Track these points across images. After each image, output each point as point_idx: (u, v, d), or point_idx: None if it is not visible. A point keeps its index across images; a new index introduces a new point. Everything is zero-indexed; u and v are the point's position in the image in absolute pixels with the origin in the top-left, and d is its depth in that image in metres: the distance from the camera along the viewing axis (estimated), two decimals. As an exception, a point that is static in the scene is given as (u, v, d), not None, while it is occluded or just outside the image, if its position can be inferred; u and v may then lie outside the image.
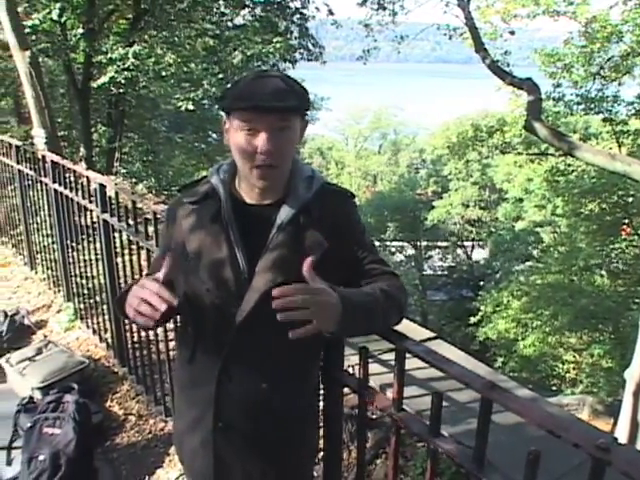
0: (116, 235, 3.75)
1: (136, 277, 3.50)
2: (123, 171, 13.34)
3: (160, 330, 3.23)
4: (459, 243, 27.92)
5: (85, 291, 4.58)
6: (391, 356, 1.70)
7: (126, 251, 3.61)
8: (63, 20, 10.51)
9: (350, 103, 42.50)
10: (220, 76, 12.70)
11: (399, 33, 15.18)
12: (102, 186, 3.71)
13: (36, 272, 5.71)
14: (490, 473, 1.42)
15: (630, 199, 14.37)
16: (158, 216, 2.90)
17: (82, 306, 4.67)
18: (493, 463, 1.45)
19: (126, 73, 10.58)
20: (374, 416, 2.84)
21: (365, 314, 1.51)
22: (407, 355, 1.62)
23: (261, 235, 1.58)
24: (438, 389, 1.63)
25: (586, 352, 14.76)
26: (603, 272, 15.63)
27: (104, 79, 10.69)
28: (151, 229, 3.06)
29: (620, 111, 13.40)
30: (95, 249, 4.18)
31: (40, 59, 8.40)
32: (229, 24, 12.79)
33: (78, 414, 3.13)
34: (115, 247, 3.78)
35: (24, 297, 5.44)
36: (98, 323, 4.34)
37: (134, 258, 3.47)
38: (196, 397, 1.70)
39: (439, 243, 28.16)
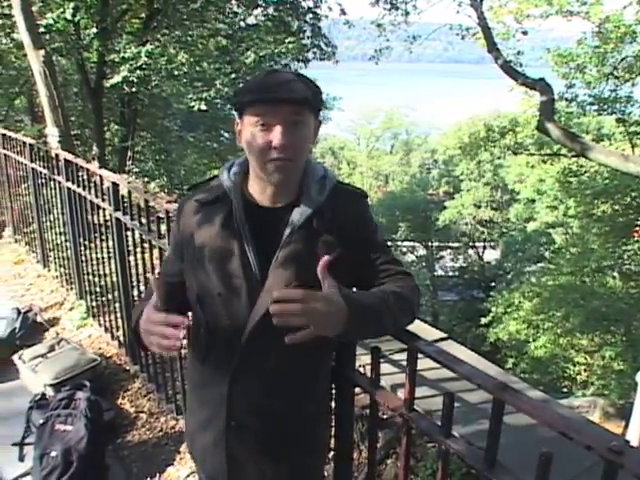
0: (128, 233, 3.77)
1: (148, 275, 3.52)
2: (135, 170, 13.39)
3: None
4: (470, 244, 27.83)
5: (97, 289, 4.61)
6: (402, 356, 1.70)
7: (138, 249, 3.63)
8: (77, 19, 10.56)
9: (362, 103, 42.47)
10: (232, 76, 12.73)
11: (411, 33, 15.16)
12: (115, 184, 3.73)
13: (49, 270, 5.74)
14: (501, 474, 1.42)
15: (643, 200, 14.30)
16: (170, 215, 2.91)
17: (94, 304, 4.69)
18: (503, 464, 1.45)
19: (139, 72, 10.62)
20: (385, 416, 2.84)
21: (374, 317, 1.50)
22: (419, 355, 1.62)
23: (274, 238, 1.57)
24: (448, 389, 1.63)
25: (597, 354, 14.67)
26: (615, 274, 15.54)
27: (117, 78, 10.74)
28: (163, 228, 3.07)
29: (633, 112, 13.34)
30: (107, 247, 4.20)
31: (54, 58, 8.45)
32: (242, 24, 12.80)
33: (90, 411, 3.15)
34: (127, 245, 3.79)
35: (37, 294, 5.47)
36: (110, 321, 4.36)
37: (146, 256, 3.48)
38: (208, 396, 1.71)
39: (450, 243, 28.08)
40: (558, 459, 1.30)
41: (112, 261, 4.08)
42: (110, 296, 4.35)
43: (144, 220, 3.35)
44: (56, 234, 5.38)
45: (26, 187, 5.94)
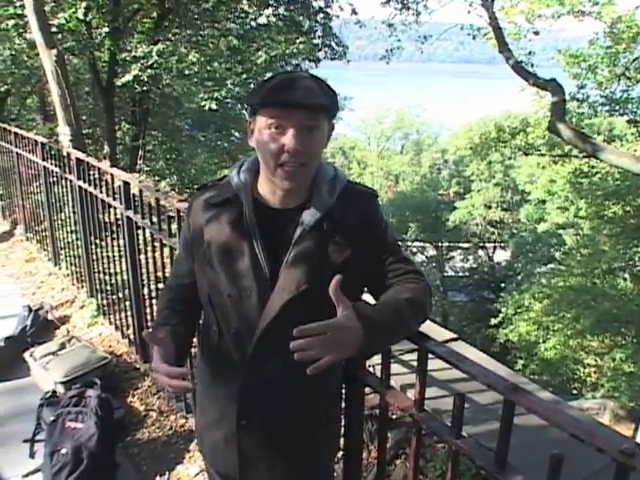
0: (139, 232, 3.78)
1: (159, 274, 3.53)
2: (146, 169, 13.43)
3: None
4: (481, 244, 27.76)
5: (108, 287, 4.62)
6: (412, 356, 1.70)
7: (149, 248, 3.64)
8: (88, 19, 10.59)
9: (373, 103, 42.37)
10: (244, 76, 12.74)
11: (422, 33, 15.14)
12: (126, 183, 3.74)
13: (60, 268, 5.77)
14: (512, 476, 1.42)
15: (655, 202, 14.21)
16: (181, 214, 2.91)
17: (105, 302, 4.71)
18: (513, 465, 1.44)
19: (150, 71, 10.65)
20: (394, 416, 2.84)
21: (390, 333, 1.52)
22: (429, 356, 1.62)
23: (284, 240, 1.57)
24: (458, 390, 1.63)
25: (608, 356, 14.59)
26: (626, 275, 15.45)
27: (128, 77, 10.76)
28: (174, 226, 3.08)
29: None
30: (118, 246, 4.22)
31: (66, 57, 8.48)
32: (252, 23, 12.80)
33: (100, 409, 3.16)
34: (138, 244, 3.80)
35: (48, 292, 5.50)
36: (120, 319, 4.37)
37: (157, 255, 3.50)
38: (219, 395, 1.72)
39: (461, 244, 28.02)
40: (568, 461, 1.29)
41: (123, 259, 4.09)
42: (121, 294, 4.37)
43: (155, 219, 3.36)
44: (67, 232, 5.41)
45: (38, 185, 5.97)
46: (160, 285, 3.53)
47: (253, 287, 1.55)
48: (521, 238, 24.27)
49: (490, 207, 26.69)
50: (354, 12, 13.54)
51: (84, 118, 12.03)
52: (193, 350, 2.47)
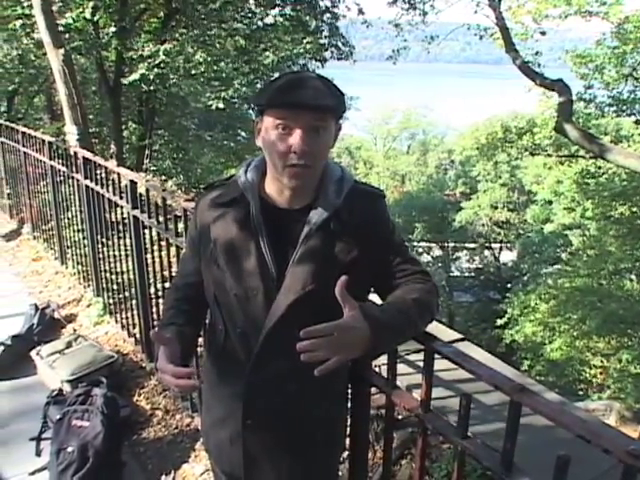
0: (146, 231, 3.79)
1: (165, 273, 3.54)
2: (153, 168, 13.46)
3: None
4: (487, 245, 27.68)
5: (114, 286, 4.64)
6: (418, 357, 1.70)
7: (155, 247, 3.64)
8: (96, 19, 10.63)
9: (379, 103, 42.30)
10: (251, 76, 12.74)
11: (429, 33, 15.10)
12: (133, 182, 3.75)
13: (67, 267, 5.78)
14: (518, 477, 1.41)
15: (662, 203, 14.16)
16: (188, 213, 2.92)
17: (111, 301, 4.72)
18: (520, 466, 1.44)
19: (157, 70, 10.66)
20: (399, 416, 2.83)
21: (397, 333, 1.53)
22: (435, 356, 1.62)
23: (291, 239, 1.57)
24: (463, 390, 1.63)
25: (614, 357, 14.55)
26: (633, 276, 15.41)
27: (135, 76, 10.78)
28: (181, 226, 3.08)
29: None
30: (125, 245, 4.23)
31: (73, 57, 8.51)
32: (259, 23, 12.81)
33: (106, 407, 3.17)
34: (145, 243, 3.81)
35: (55, 291, 5.51)
36: (127, 318, 4.38)
37: (163, 254, 3.50)
38: (225, 394, 1.72)
39: (467, 244, 27.95)
40: (574, 462, 1.29)
41: (129, 259, 4.11)
42: (127, 293, 4.38)
43: (161, 218, 3.37)
44: (74, 231, 5.42)
45: (45, 185, 5.99)
46: (167, 284, 3.54)
47: (260, 287, 1.55)
48: (527, 239, 24.20)
49: (496, 207, 26.61)
50: (361, 12, 13.55)
51: (91, 117, 12.05)
52: (199, 349, 2.47)
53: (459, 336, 3.55)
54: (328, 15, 13.19)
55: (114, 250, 4.56)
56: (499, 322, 17.92)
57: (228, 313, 1.63)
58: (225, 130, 16.62)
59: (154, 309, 3.85)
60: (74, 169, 4.90)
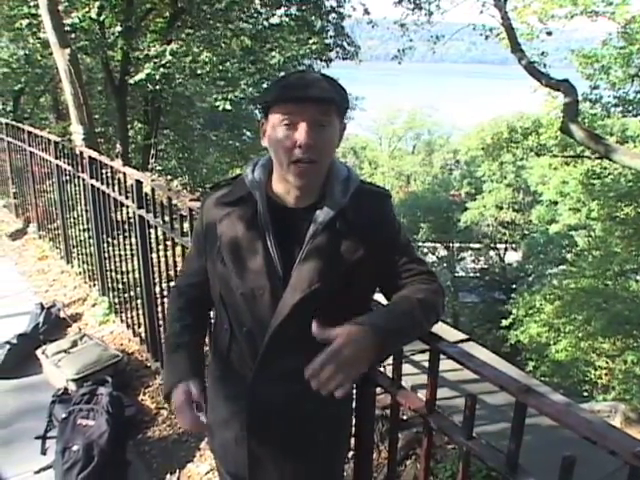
0: (151, 231, 3.79)
1: (170, 273, 3.54)
2: (158, 168, 13.48)
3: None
4: (492, 245, 27.65)
5: (120, 286, 4.64)
6: (423, 357, 1.70)
7: (161, 247, 3.65)
8: (102, 18, 10.66)
9: (384, 103, 42.29)
10: (257, 77, 12.76)
11: (435, 33, 15.09)
12: (138, 182, 3.75)
13: (72, 266, 5.80)
14: (524, 478, 1.41)
15: (668, 203, 14.13)
16: (193, 213, 2.92)
17: (117, 300, 4.73)
18: (525, 467, 1.44)
19: (162, 70, 10.68)
20: (404, 417, 2.83)
21: (401, 336, 1.53)
22: (441, 356, 1.62)
23: (297, 238, 1.57)
24: (468, 391, 1.63)
25: (619, 358, 14.51)
26: (638, 277, 15.36)
27: (141, 75, 10.80)
28: (186, 225, 3.09)
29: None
30: (130, 244, 4.24)
31: (79, 57, 8.52)
32: (265, 23, 12.82)
33: (111, 406, 3.18)
34: (150, 243, 3.82)
35: (60, 290, 5.53)
36: (132, 317, 4.39)
37: (169, 254, 3.51)
38: (230, 394, 1.72)
39: (472, 245, 27.92)
40: (579, 463, 1.29)
41: (135, 258, 4.11)
42: (132, 293, 4.38)
43: (167, 218, 3.37)
44: (80, 231, 5.44)
45: (51, 184, 6.00)
46: (172, 284, 3.54)
47: (266, 286, 1.55)
48: (532, 239, 24.16)
49: (501, 208, 26.57)
50: (366, 12, 13.54)
51: (97, 117, 12.07)
52: (205, 349, 2.47)
53: (464, 336, 3.54)
54: (334, 15, 13.20)
55: (119, 249, 4.56)
56: (504, 323, 17.90)
57: (234, 312, 1.63)
58: (230, 130, 16.65)
59: (159, 308, 3.85)
60: (80, 168, 4.92)
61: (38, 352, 4.10)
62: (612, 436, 1.22)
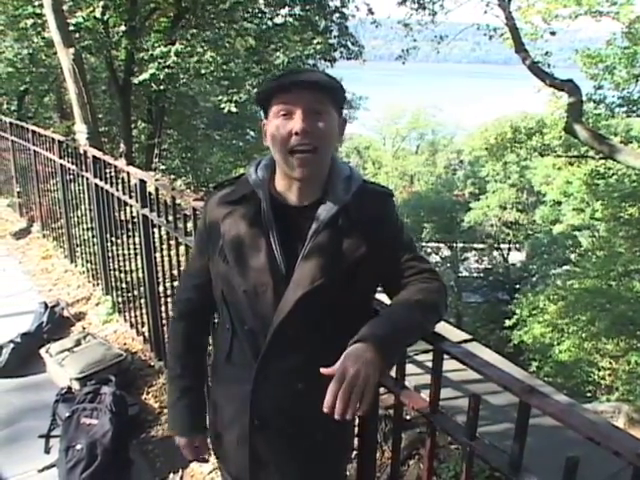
0: (155, 230, 3.80)
1: (174, 272, 3.54)
2: (162, 167, 13.50)
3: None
4: (495, 245, 27.63)
5: (123, 285, 4.65)
6: (426, 357, 1.69)
7: (164, 246, 3.65)
8: (106, 18, 10.67)
9: (388, 103, 42.28)
10: (262, 77, 12.76)
11: (438, 33, 15.09)
12: (142, 182, 3.76)
13: (76, 265, 5.81)
14: (527, 478, 1.41)
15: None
16: (197, 212, 2.93)
17: (120, 299, 4.73)
18: (528, 468, 1.44)
19: (167, 70, 10.69)
20: (407, 417, 2.83)
21: (403, 341, 1.53)
22: (444, 356, 1.62)
23: (300, 236, 1.57)
24: (471, 391, 1.63)
25: (623, 359, 14.47)
26: (643, 278, 15.33)
27: (145, 75, 10.81)
28: (190, 225, 3.09)
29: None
30: (134, 244, 4.24)
31: (83, 56, 8.53)
32: (269, 23, 12.82)
33: (115, 406, 3.18)
34: (154, 242, 3.82)
35: (64, 289, 5.54)
36: (135, 317, 4.39)
37: (172, 253, 3.51)
38: (233, 394, 1.71)
39: (475, 245, 27.90)
40: (582, 464, 1.29)
41: (138, 257, 4.11)
42: (136, 292, 4.39)
43: (171, 217, 3.37)
44: (83, 230, 5.45)
45: (55, 183, 6.02)
46: (175, 283, 3.55)
47: (269, 282, 1.56)
48: (536, 239, 24.15)
49: (505, 208, 26.54)
50: (370, 12, 13.53)
51: (100, 116, 12.11)
52: (208, 348, 2.47)
53: (467, 336, 3.54)
54: (337, 15, 13.18)
55: (123, 249, 4.57)
56: (507, 323, 17.88)
57: (236, 311, 1.63)
58: (234, 129, 16.67)
59: (163, 308, 3.85)
60: (84, 168, 4.92)
61: (42, 351, 4.11)
62: (616, 437, 1.22)
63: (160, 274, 3.81)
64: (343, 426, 1.76)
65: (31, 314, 4.71)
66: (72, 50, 6.74)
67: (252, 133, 16.94)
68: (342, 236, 1.56)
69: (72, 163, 5.23)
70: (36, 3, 10.06)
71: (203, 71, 11.68)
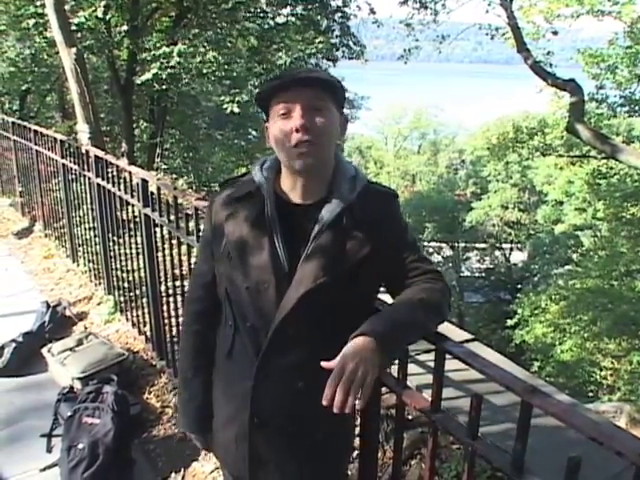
0: (157, 230, 3.80)
1: (176, 272, 3.55)
2: (164, 167, 13.49)
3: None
4: (497, 245, 27.62)
5: (125, 284, 4.65)
6: (428, 357, 1.69)
7: (166, 246, 3.66)
8: (108, 18, 10.67)
9: (390, 102, 42.27)
10: (264, 77, 12.76)
11: (440, 33, 15.10)
12: (144, 181, 3.76)
13: (78, 264, 5.81)
14: (529, 478, 1.41)
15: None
16: (199, 212, 2.93)
17: (122, 299, 4.74)
18: (530, 468, 1.44)
19: (169, 70, 10.69)
20: (409, 416, 2.83)
21: (403, 339, 1.54)
22: (446, 356, 1.62)
23: (303, 234, 1.57)
24: (472, 391, 1.62)
25: (625, 359, 14.45)
26: (645, 278, 15.32)
27: (147, 75, 10.82)
28: (192, 224, 3.09)
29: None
30: (136, 243, 4.24)
31: (85, 56, 8.54)
32: (271, 22, 12.82)
33: (117, 405, 3.18)
34: (156, 241, 3.82)
35: (66, 289, 5.54)
36: (137, 316, 4.40)
37: (174, 253, 3.51)
38: (233, 392, 1.71)
39: (477, 245, 27.89)
40: (584, 464, 1.29)
41: (140, 257, 4.11)
42: (138, 292, 4.39)
43: (172, 217, 3.37)
44: (85, 229, 5.45)
45: (57, 183, 6.02)
46: (177, 283, 3.55)
47: (271, 280, 1.56)
48: (538, 239, 24.14)
49: (507, 208, 26.54)
50: (372, 11, 13.53)
51: (102, 116, 12.11)
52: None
53: (469, 336, 3.54)
54: (339, 14, 13.19)
55: (125, 248, 4.57)
56: (509, 323, 17.88)
57: (239, 308, 1.63)
58: (236, 129, 16.68)
59: (165, 307, 3.86)
60: (86, 167, 4.93)
61: (44, 350, 4.12)
62: (619, 437, 1.22)
63: (162, 273, 3.81)
64: (343, 426, 1.77)
65: (33, 313, 4.71)
66: (74, 50, 6.74)
67: (254, 133, 16.96)
68: (346, 236, 1.56)
69: (74, 163, 5.24)
70: (38, 3, 10.07)
71: (205, 71, 11.68)
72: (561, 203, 22.84)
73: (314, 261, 1.54)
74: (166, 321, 3.84)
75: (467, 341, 3.40)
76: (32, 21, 10.37)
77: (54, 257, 6.26)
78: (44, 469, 3.14)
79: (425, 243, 26.83)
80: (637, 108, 13.24)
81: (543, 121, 16.51)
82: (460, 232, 27.43)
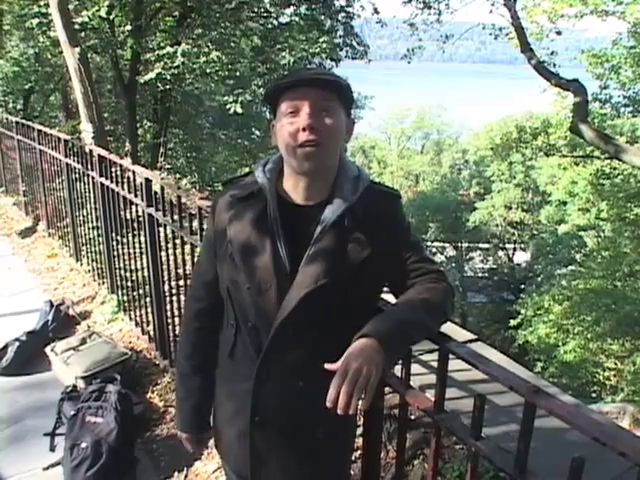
0: (160, 229, 3.80)
1: (179, 271, 3.55)
2: (167, 166, 13.51)
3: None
4: (501, 245, 27.62)
5: (129, 284, 4.65)
6: (431, 357, 1.69)
7: (170, 245, 3.66)
8: (111, 17, 10.69)
9: (393, 102, 42.26)
10: (267, 77, 12.77)
11: (444, 32, 15.06)
12: (148, 180, 3.76)
13: (81, 264, 5.81)
14: (532, 479, 1.41)
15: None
16: (202, 211, 2.93)
17: (125, 298, 4.74)
18: (533, 469, 1.44)
19: (173, 70, 10.70)
20: (413, 416, 2.83)
21: (406, 339, 1.53)
22: (449, 356, 1.62)
23: (305, 235, 1.57)
24: (476, 391, 1.62)
25: (628, 360, 14.43)
26: (648, 278, 15.30)
27: (151, 75, 10.83)
28: (195, 224, 3.09)
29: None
30: (139, 243, 4.25)
31: (89, 55, 8.56)
32: (274, 22, 12.83)
33: (120, 404, 3.19)
34: (159, 241, 3.82)
35: (69, 288, 5.55)
36: (141, 315, 4.40)
37: (177, 252, 3.52)
38: (234, 390, 1.72)
39: (480, 245, 27.91)
40: (587, 465, 1.28)
41: (144, 256, 4.12)
42: (141, 291, 4.40)
43: (176, 216, 3.38)
44: (89, 229, 5.45)
45: (60, 182, 6.02)
46: (181, 282, 3.56)
47: (273, 281, 1.56)
48: (541, 239, 24.12)
49: (510, 208, 26.54)
50: (375, 11, 13.50)
51: (106, 115, 12.10)
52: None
53: (472, 336, 3.53)
54: (343, 14, 13.17)
55: (129, 247, 4.58)
56: (512, 323, 17.87)
57: (240, 308, 1.63)
58: (239, 129, 16.67)
59: (168, 306, 3.86)
60: (89, 167, 4.93)
61: (47, 349, 4.12)
62: (622, 438, 1.22)
63: (165, 273, 3.82)
64: (344, 426, 1.76)
65: (36, 313, 4.72)
66: (78, 49, 6.75)
67: (257, 132, 16.95)
68: (348, 236, 1.56)
69: (78, 162, 5.24)
70: (42, 2, 10.09)
71: (209, 71, 11.68)
72: (564, 203, 22.82)
73: (316, 262, 1.54)
74: (169, 320, 3.85)
75: (470, 341, 3.40)
76: (36, 21, 10.39)
77: (57, 256, 6.27)
78: (47, 468, 3.15)
79: (428, 243, 26.84)
80: (641, 108, 13.25)
81: (547, 121, 16.49)
82: (463, 232, 27.44)
